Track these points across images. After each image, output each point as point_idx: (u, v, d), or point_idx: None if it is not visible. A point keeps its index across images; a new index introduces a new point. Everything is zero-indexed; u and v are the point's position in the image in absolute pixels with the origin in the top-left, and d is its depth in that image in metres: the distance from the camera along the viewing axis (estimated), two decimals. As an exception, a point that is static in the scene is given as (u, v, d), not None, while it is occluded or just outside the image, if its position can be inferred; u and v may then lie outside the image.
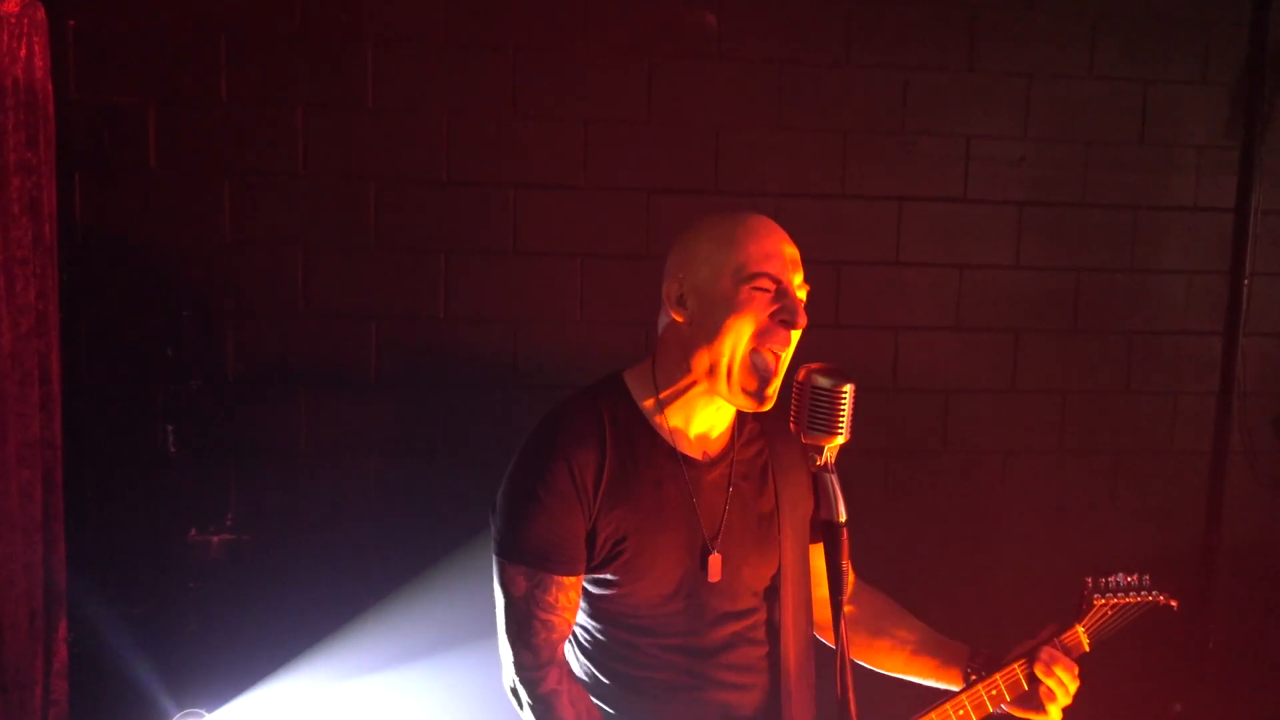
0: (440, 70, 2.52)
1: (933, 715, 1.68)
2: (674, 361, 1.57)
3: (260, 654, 2.50)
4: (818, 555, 1.75)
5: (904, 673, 1.82)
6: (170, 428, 2.49)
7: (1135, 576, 1.82)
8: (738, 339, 1.49)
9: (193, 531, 2.52)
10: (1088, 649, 1.77)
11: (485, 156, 2.56)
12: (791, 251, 1.55)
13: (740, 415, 1.66)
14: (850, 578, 1.33)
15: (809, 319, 1.51)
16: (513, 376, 2.60)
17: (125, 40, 2.40)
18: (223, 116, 2.45)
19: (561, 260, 2.60)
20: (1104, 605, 1.79)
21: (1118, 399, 2.92)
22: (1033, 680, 1.70)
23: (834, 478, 1.36)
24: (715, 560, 1.59)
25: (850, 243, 2.75)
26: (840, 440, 1.35)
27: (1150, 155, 2.88)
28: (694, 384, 1.56)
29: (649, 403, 1.60)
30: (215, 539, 2.53)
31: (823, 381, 1.33)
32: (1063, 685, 1.69)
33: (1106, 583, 1.81)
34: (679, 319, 1.55)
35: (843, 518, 1.34)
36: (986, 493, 2.88)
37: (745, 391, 1.51)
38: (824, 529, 1.34)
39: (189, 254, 2.48)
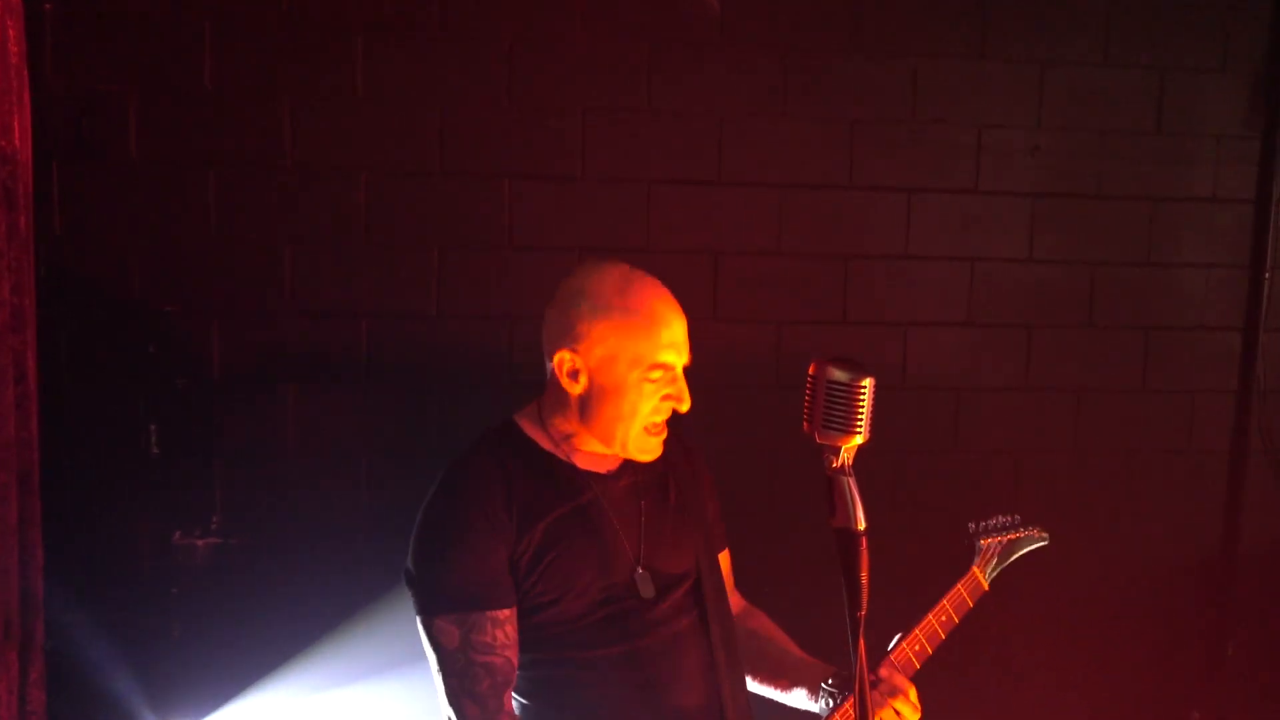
0: (433, 58, 2.43)
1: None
2: (564, 419, 1.64)
3: (247, 662, 2.41)
4: (728, 560, 1.84)
5: (767, 688, 1.80)
6: (153, 428, 2.41)
7: (1010, 516, 1.98)
8: (631, 419, 1.57)
9: (177, 535, 2.44)
10: (986, 587, 1.87)
11: (479, 147, 2.47)
12: (683, 331, 1.62)
13: None
14: (865, 589, 1.24)
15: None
16: (508, 375, 2.52)
17: (105, 24, 2.31)
18: (207, 105, 2.36)
19: (559, 255, 2.51)
20: (992, 544, 1.92)
21: (1133, 397, 2.84)
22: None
23: (851, 481, 1.26)
24: (644, 577, 1.60)
25: (858, 236, 2.67)
26: (859, 440, 1.25)
27: (1168, 145, 2.79)
28: (586, 436, 1.63)
29: (545, 437, 1.65)
30: (200, 543, 2.45)
31: (839, 375, 1.23)
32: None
33: (988, 526, 1.95)
34: (570, 391, 1.60)
35: (861, 525, 1.24)
36: (999, 493, 2.79)
37: (640, 452, 1.61)
38: (840, 538, 1.24)
39: (172, 248, 2.39)
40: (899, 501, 2.71)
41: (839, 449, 1.26)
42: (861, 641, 1.22)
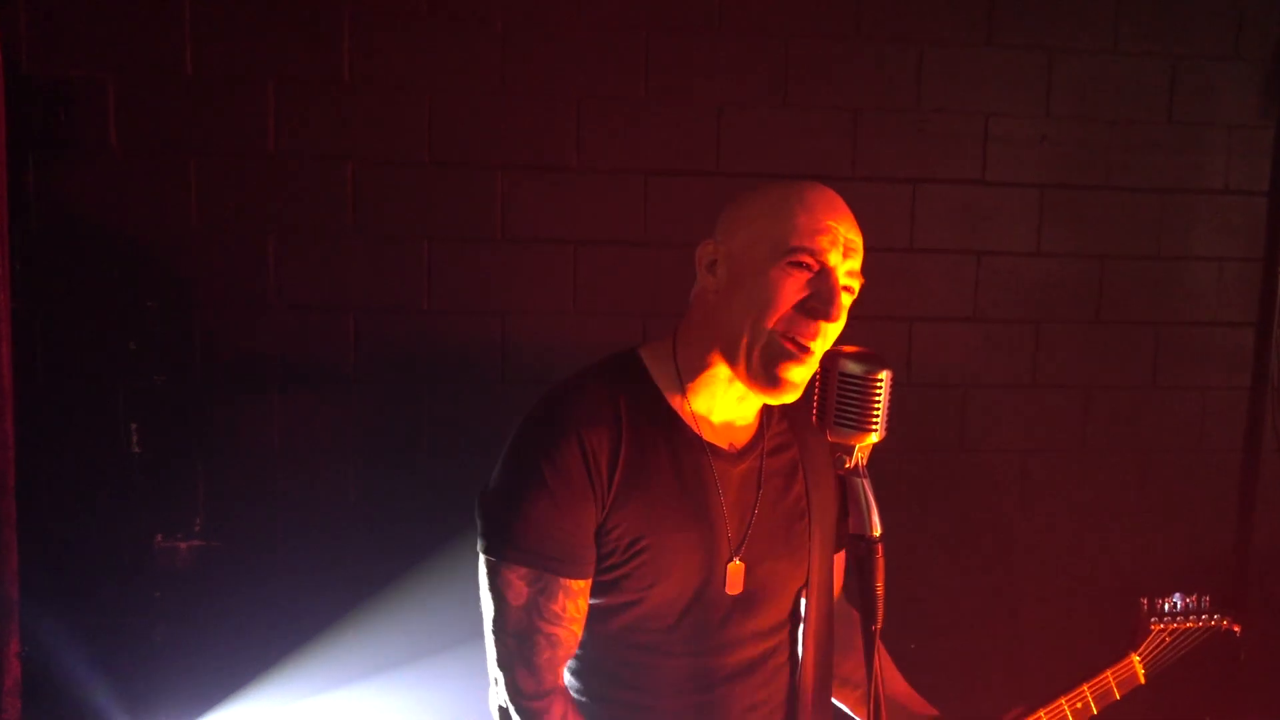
0: (423, 43, 2.35)
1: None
2: (697, 337, 1.40)
3: (231, 668, 2.35)
4: (838, 565, 1.60)
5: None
6: (134, 426, 2.34)
7: (1194, 598, 1.66)
8: (759, 319, 1.30)
9: (158, 537, 2.36)
10: (1143, 681, 1.61)
11: (471, 136, 2.39)
12: (850, 234, 1.36)
13: (768, 406, 1.46)
14: (881, 601, 1.15)
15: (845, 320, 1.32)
16: (501, 372, 2.44)
17: (82, 8, 2.23)
18: (188, 91, 2.29)
19: (553, 247, 2.44)
20: (1161, 632, 1.63)
21: (1144, 394, 2.76)
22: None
23: (866, 483, 1.18)
24: (736, 570, 1.38)
25: (862, 228, 2.52)
26: (874, 438, 1.16)
27: (1179, 135, 2.71)
28: (717, 365, 1.38)
29: (669, 384, 1.40)
30: (182, 545, 2.37)
31: (853, 368, 1.15)
32: None
33: (1163, 606, 1.64)
34: (706, 286, 1.38)
35: (877, 531, 1.16)
36: (1005, 493, 2.72)
37: (761, 379, 1.32)
38: (854, 545, 1.16)
39: (152, 240, 2.31)
40: (902, 502, 2.64)
41: (853, 448, 1.18)
42: (876, 658, 1.13)
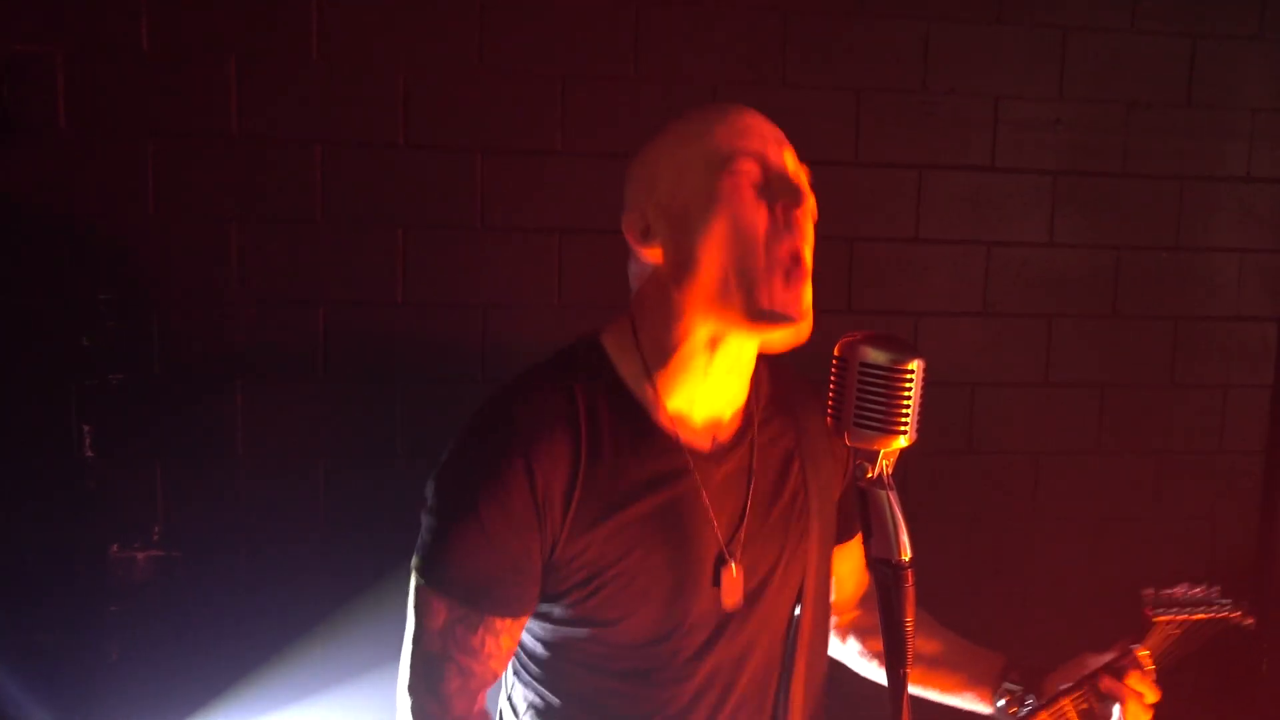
0: (396, 18, 2.21)
1: None
2: (659, 319, 1.19)
3: (193, 685, 2.21)
4: (841, 559, 1.43)
5: (922, 687, 1.47)
6: (87, 428, 2.19)
7: (1202, 589, 1.52)
8: (735, 246, 1.10)
9: (114, 547, 2.22)
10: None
11: (448, 117, 2.25)
12: (775, 130, 1.18)
13: (756, 384, 1.27)
14: (911, 639, 0.99)
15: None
16: (481, 369, 2.30)
17: (27, -22, 2.08)
18: (144, 68, 2.14)
19: (536, 236, 2.30)
20: (1168, 624, 1.49)
21: (1161, 392, 2.63)
22: (1090, 713, 1.37)
23: (893, 496, 1.00)
24: (733, 579, 1.21)
25: (865, 217, 2.45)
26: (902, 442, 0.98)
27: (1199, 119, 2.58)
28: (690, 345, 1.17)
29: (635, 374, 1.20)
30: (140, 555, 2.23)
31: (876, 356, 0.96)
32: (1139, 698, 1.35)
33: (1170, 596, 1.51)
34: (650, 257, 1.17)
35: (906, 555, 0.98)
36: (1017, 498, 2.59)
37: (768, 316, 1.10)
38: (877, 570, 0.99)
39: (106, 228, 2.16)
40: (908, 506, 2.50)
41: (876, 454, 0.99)
42: (906, 708, 0.97)
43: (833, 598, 1.46)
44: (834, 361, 0.99)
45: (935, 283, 2.50)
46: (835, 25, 2.38)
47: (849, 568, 1.49)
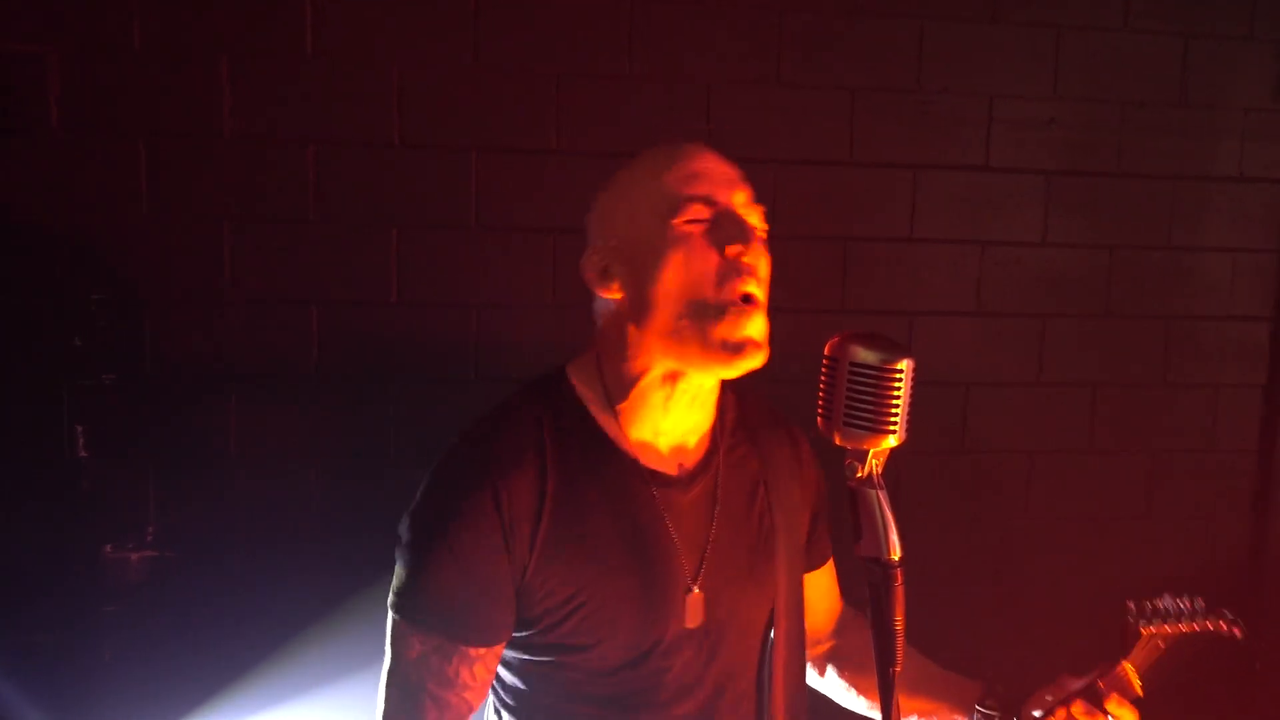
0: (390, 14, 2.19)
1: None
2: (620, 354, 1.24)
3: (187, 685, 2.20)
4: (811, 585, 1.45)
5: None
6: (80, 429, 2.17)
7: (1188, 600, 1.49)
8: (686, 289, 1.16)
9: (108, 548, 2.21)
10: (1139, 693, 1.44)
11: (442, 115, 2.23)
12: (722, 165, 1.22)
13: (721, 411, 1.30)
14: (901, 638, 0.99)
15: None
16: (475, 370, 2.29)
17: (18, -23, 2.07)
18: (136, 67, 2.12)
19: (530, 236, 2.28)
20: (1154, 636, 1.46)
21: (1155, 392, 2.63)
22: None
23: (883, 495, 1.01)
24: (695, 600, 1.23)
25: (858, 216, 2.45)
26: (892, 442, 0.99)
27: (1193, 118, 2.58)
28: (649, 379, 1.23)
29: (600, 405, 1.26)
30: (134, 556, 2.21)
31: (866, 355, 0.98)
32: None
33: (1155, 608, 1.47)
34: (610, 295, 1.23)
35: (896, 554, 0.99)
36: (1009, 498, 2.59)
37: (720, 352, 1.15)
38: (869, 570, 1.00)
39: (99, 229, 2.15)
40: (901, 507, 2.49)
41: (866, 453, 1.01)
42: (896, 708, 0.97)
43: (807, 625, 1.49)
44: (824, 361, 1.00)
45: (930, 282, 2.50)
46: (831, 24, 2.38)
47: (819, 594, 1.51)
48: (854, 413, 0.98)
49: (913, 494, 2.51)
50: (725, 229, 1.17)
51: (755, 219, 1.21)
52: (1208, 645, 1.50)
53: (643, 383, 1.23)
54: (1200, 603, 1.48)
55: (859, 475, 1.01)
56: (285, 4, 2.15)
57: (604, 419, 1.25)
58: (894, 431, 0.98)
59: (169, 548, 2.23)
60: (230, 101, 2.16)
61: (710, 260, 1.16)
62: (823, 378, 1.00)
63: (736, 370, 1.19)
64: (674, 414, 1.25)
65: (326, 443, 2.25)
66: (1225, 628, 1.48)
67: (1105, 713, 1.36)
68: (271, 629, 2.22)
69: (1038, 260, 2.55)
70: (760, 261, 1.18)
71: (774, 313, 2.42)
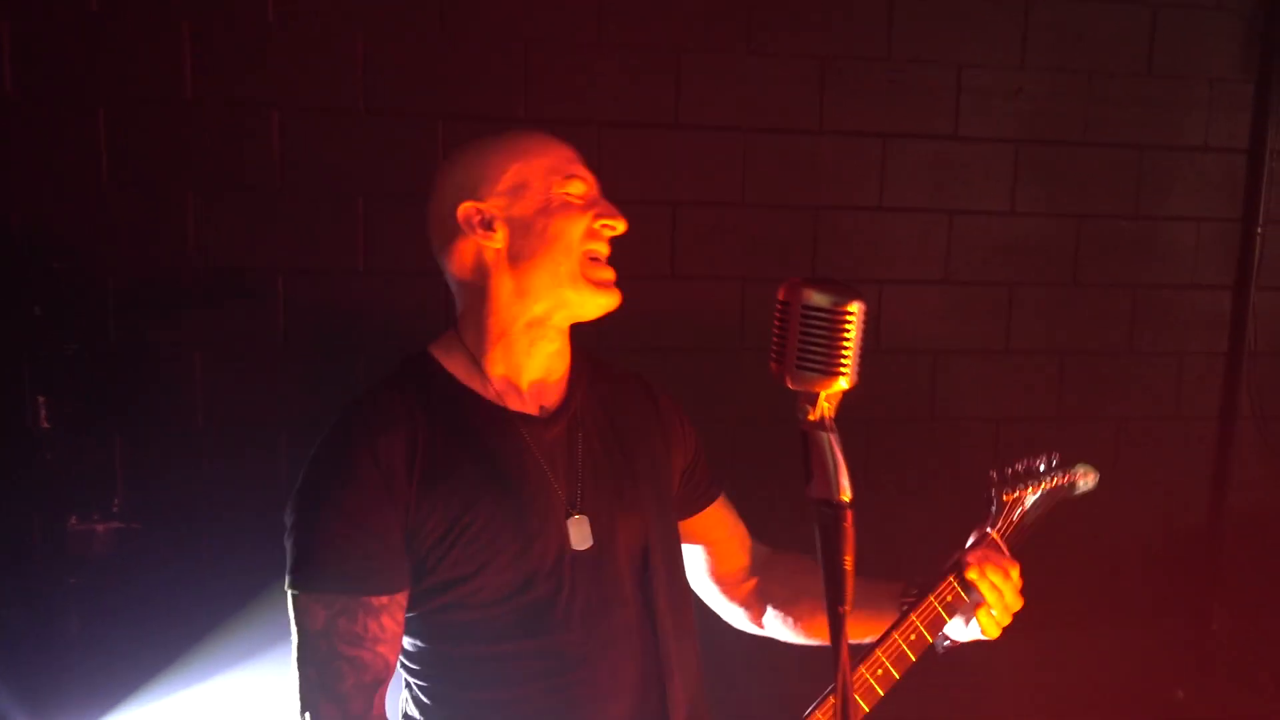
0: (354, -21, 2.16)
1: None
2: (486, 309, 1.38)
3: (154, 657, 2.17)
4: (712, 524, 1.59)
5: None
6: (41, 399, 2.14)
7: (1043, 459, 1.57)
8: (570, 244, 1.35)
9: (73, 520, 2.18)
10: (1009, 556, 1.49)
11: (409, 82, 2.21)
12: (570, 147, 1.43)
13: (576, 365, 1.44)
14: (850, 578, 1.00)
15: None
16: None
17: (-31, -63, 2.02)
18: (94, 31, 2.08)
19: (500, 204, 2.26)
20: (1016, 500, 1.53)
21: (1120, 360, 2.67)
22: (954, 607, 1.43)
23: (833, 438, 1.00)
24: (580, 522, 1.34)
25: (828, 185, 2.45)
26: (843, 384, 0.99)
27: (1159, 89, 2.60)
28: (516, 327, 1.37)
29: (463, 365, 1.39)
30: (100, 528, 2.19)
31: (819, 299, 0.97)
32: (996, 589, 1.41)
33: (1014, 473, 1.55)
34: (490, 244, 1.35)
35: (846, 495, 0.99)
36: (977, 464, 2.58)
37: (594, 296, 1.36)
38: (819, 512, 1.00)
39: (58, 196, 2.11)
40: (870, 474, 2.52)
41: (817, 396, 1.00)
42: (845, 645, 0.98)
43: (717, 566, 1.63)
44: (777, 305, 1.00)
45: (898, 251, 2.51)
46: (800, -8, 2.37)
47: (724, 530, 1.62)
48: (806, 355, 0.98)
49: (881, 461, 2.53)
50: (599, 206, 1.38)
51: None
52: (1066, 499, 1.60)
53: (511, 332, 1.37)
54: (1055, 458, 1.57)
55: (810, 418, 1.01)
56: (247, -33, 2.12)
57: (468, 378, 1.37)
58: (845, 373, 0.98)
59: (135, 519, 2.21)
60: (192, 66, 2.12)
61: (584, 221, 1.37)
62: (775, 322, 1.01)
63: (605, 308, 1.38)
64: (536, 359, 1.39)
65: (294, 412, 2.23)
66: (1081, 478, 1.58)
67: (985, 569, 1.43)
68: (239, 600, 2.19)
69: (1005, 229, 2.57)
70: (619, 225, 1.40)
71: (743, 282, 2.44)
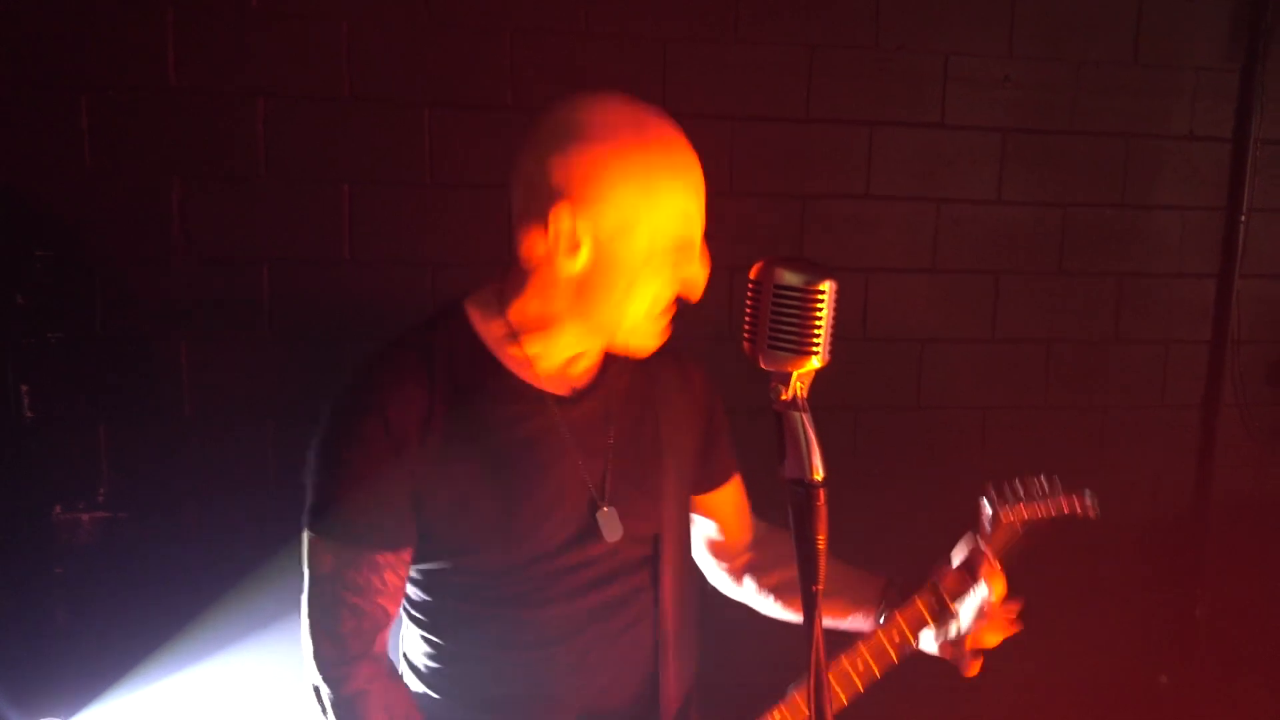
0: (339, -34, 2.15)
1: (829, 677, 1.38)
2: (541, 299, 1.28)
3: (141, 648, 2.16)
4: (721, 503, 1.57)
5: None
6: (25, 389, 2.13)
7: (1040, 481, 1.58)
8: (640, 306, 1.26)
9: (58, 509, 2.18)
10: (1001, 576, 1.48)
11: (394, 69, 2.20)
12: (703, 192, 1.28)
13: None
14: (823, 556, 1.01)
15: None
16: (431, 326, 2.27)
17: (-51, -79, 2.00)
18: (76, 17, 2.06)
19: (486, 193, 2.26)
20: (1013, 521, 1.52)
21: (1106, 348, 2.68)
22: (942, 611, 1.44)
23: (806, 418, 1.01)
24: (610, 515, 1.33)
25: (815, 173, 2.45)
26: (815, 363, 0.99)
27: (1145, 77, 2.60)
28: (560, 326, 1.30)
29: (497, 331, 1.31)
30: (85, 517, 2.19)
31: (790, 278, 0.99)
32: (991, 584, 1.42)
33: (1011, 492, 1.55)
34: (562, 267, 1.23)
35: (819, 475, 0.99)
36: (964, 452, 2.62)
37: (643, 341, 1.30)
38: (792, 491, 1.00)
39: (42, 182, 2.10)
40: (857, 461, 2.53)
41: (789, 375, 1.01)
42: (818, 623, 0.99)
43: (720, 540, 1.62)
44: (749, 285, 1.01)
45: (885, 239, 2.52)
46: (787, -21, 2.37)
47: (730, 508, 1.60)
48: (778, 335, 0.99)
49: (868, 449, 2.54)
50: (695, 275, 1.27)
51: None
52: (1062, 528, 1.57)
53: (554, 329, 1.30)
54: (1056, 484, 1.56)
55: (784, 398, 1.01)
56: (230, -48, 2.11)
57: (498, 346, 1.31)
58: (817, 352, 0.99)
59: (121, 508, 2.20)
60: (175, 53, 2.11)
61: (670, 286, 1.26)
62: (748, 302, 1.02)
63: (635, 353, 1.32)
64: (575, 349, 1.32)
65: (280, 400, 2.23)
66: (1079, 507, 1.56)
67: (975, 579, 1.43)
68: (226, 589, 2.19)
69: (992, 217, 2.57)
70: (695, 290, 1.29)
71: (730, 272, 2.44)
